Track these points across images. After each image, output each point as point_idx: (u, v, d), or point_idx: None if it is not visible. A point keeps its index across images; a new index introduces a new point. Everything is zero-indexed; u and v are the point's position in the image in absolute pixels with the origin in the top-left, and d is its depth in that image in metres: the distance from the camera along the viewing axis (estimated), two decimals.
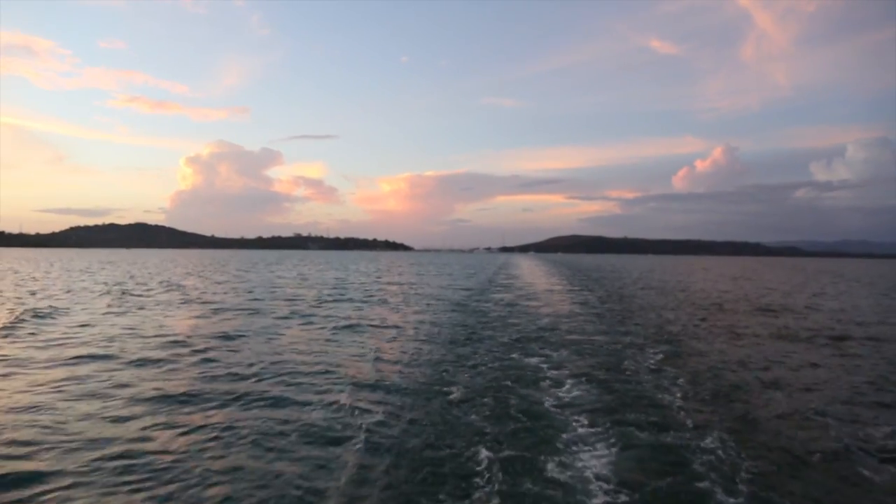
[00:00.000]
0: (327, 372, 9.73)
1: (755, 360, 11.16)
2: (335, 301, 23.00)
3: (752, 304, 23.52)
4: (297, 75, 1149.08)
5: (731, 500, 4.92)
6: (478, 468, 5.52)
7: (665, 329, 15.27)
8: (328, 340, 13.09)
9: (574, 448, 6.12)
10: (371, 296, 25.85)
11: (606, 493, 5.03)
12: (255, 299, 23.27)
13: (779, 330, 15.63)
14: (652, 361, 10.77)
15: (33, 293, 24.23)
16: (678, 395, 8.32)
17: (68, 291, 25.55)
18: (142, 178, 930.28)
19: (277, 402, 7.78)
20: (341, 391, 8.36)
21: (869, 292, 33.37)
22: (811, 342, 13.67)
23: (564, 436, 6.49)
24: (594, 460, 5.77)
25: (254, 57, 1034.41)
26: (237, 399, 7.94)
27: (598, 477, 5.35)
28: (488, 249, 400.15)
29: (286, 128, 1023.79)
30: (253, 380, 9.09)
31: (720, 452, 5.96)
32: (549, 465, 5.61)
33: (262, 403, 7.74)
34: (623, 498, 4.94)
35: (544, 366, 10.31)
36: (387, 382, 8.96)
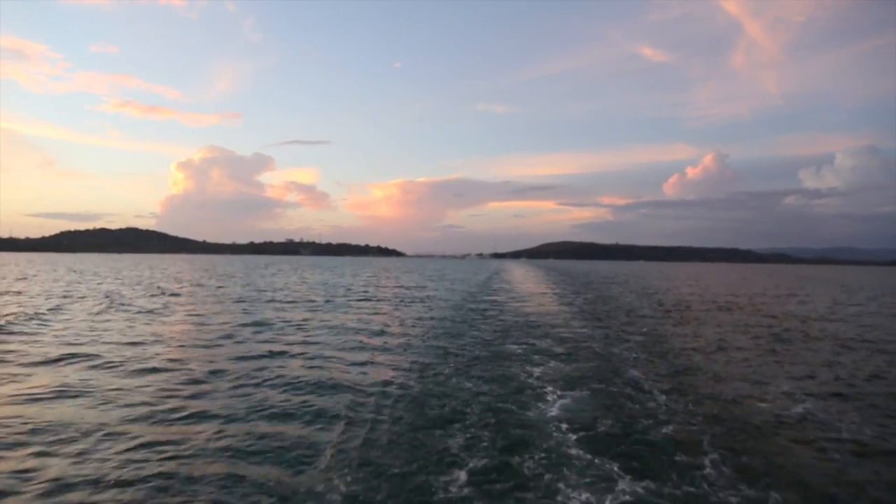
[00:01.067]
0: (343, 354, 11.63)
1: (702, 343, 13.16)
2: (346, 301, 24.84)
3: (713, 304, 25.57)
4: (290, 80, 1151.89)
5: (669, 433, 6.82)
6: (467, 420, 7.42)
7: (636, 322, 17.23)
8: (345, 330, 14.95)
9: (545, 403, 8.04)
10: (376, 296, 27.76)
11: (572, 430, 6.90)
12: (272, 301, 25.05)
13: (728, 323, 17.66)
14: (623, 346, 12.71)
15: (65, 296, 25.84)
16: (640, 369, 10.25)
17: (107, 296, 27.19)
18: (133, 183, 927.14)
19: (284, 389, 9.41)
20: (356, 366, 10.26)
21: (830, 295, 35.54)
22: (750, 332, 15.68)
23: (539, 396, 8.42)
24: (561, 411, 7.69)
25: (246, 62, 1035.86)
26: (248, 385, 9.81)
27: (562, 420, 7.26)
28: (480, 255, 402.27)
29: (278, 133, 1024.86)
30: (275, 365, 10.96)
31: (671, 404, 7.91)
32: (525, 415, 7.52)
33: (273, 390, 9.59)
34: (584, 436, 6.81)
35: (522, 349, 12.26)
36: (394, 362, 10.89)
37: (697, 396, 8.45)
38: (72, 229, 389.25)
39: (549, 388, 8.79)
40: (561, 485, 5.33)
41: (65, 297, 24.62)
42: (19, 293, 26.22)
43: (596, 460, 5.93)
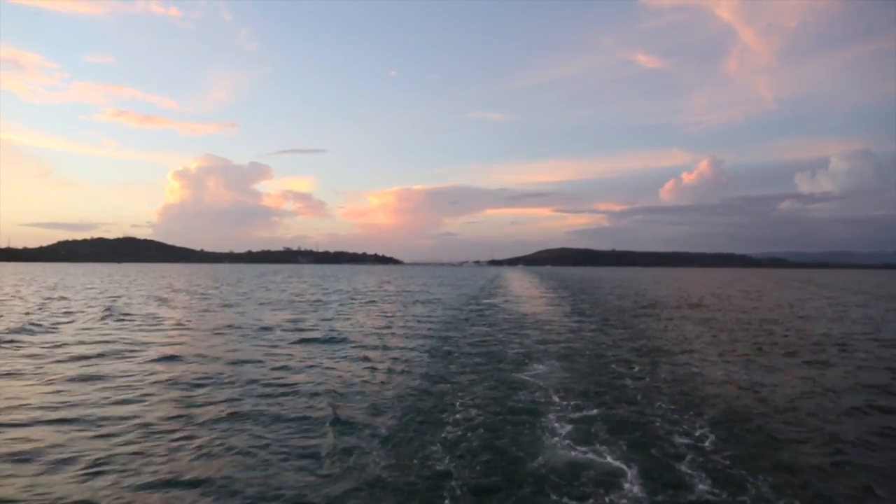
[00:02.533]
0: (361, 338, 14.03)
1: (666, 331, 15.61)
2: (358, 302, 27.21)
3: (685, 303, 28.02)
4: (286, 89, 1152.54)
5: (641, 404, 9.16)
6: (469, 381, 9.78)
7: (618, 317, 19.69)
8: (358, 327, 17.33)
9: (531, 371, 10.41)
10: (383, 299, 30.20)
11: (552, 387, 9.22)
12: (293, 302, 27.39)
13: (691, 318, 20.09)
14: (603, 334, 15.14)
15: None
16: (614, 350, 12.65)
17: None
18: (129, 193, 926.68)
19: (304, 378, 11.95)
20: (374, 349, 12.66)
21: (794, 295, 38.01)
22: (705, 323, 18.14)
23: (527, 367, 10.81)
24: (545, 376, 10.04)
25: (242, 71, 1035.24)
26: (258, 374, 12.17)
27: (544, 381, 9.61)
28: (477, 263, 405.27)
29: (274, 142, 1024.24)
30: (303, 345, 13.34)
31: (635, 372, 10.30)
32: (516, 377, 9.88)
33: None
34: (561, 388, 9.13)
35: (515, 338, 14.72)
36: (405, 347, 13.37)
37: (659, 367, 10.87)
38: (69, 239, 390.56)
39: (536, 363, 11.23)
40: (543, 420, 7.64)
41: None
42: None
43: (567, 402, 8.25)
